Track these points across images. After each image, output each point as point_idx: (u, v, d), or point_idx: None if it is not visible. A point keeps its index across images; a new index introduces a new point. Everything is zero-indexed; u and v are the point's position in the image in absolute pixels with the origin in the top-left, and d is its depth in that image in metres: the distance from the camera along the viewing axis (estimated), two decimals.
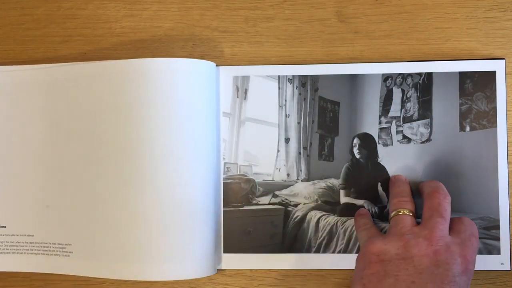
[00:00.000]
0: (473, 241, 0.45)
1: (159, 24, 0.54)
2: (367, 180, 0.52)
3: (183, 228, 0.49)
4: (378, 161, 0.51)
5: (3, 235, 0.52)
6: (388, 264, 0.43)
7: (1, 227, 0.52)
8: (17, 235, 0.52)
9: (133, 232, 0.49)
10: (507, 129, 0.51)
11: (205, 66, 0.51)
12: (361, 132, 0.52)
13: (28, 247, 0.52)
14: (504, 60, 0.51)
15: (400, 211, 0.47)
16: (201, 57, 0.53)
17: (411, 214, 0.47)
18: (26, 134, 0.52)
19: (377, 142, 0.52)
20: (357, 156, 0.52)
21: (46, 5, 0.55)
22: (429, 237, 0.44)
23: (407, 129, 0.52)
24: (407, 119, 0.52)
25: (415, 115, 0.52)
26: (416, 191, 0.50)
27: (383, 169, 0.51)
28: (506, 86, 0.51)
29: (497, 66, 0.51)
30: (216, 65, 0.52)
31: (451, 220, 0.46)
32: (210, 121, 0.51)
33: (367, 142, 0.52)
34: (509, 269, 0.50)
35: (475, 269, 0.50)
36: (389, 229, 0.47)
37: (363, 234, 0.49)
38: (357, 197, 0.52)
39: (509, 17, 0.52)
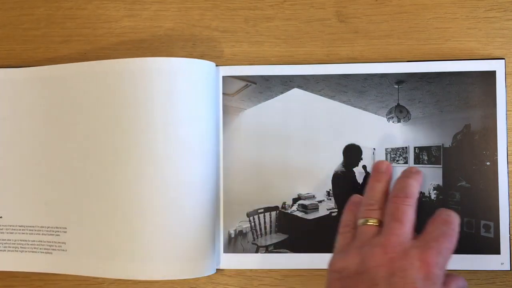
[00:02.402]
0: (441, 242, 0.41)
1: (159, 24, 0.54)
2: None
3: (182, 228, 0.49)
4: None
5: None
6: (348, 280, 0.41)
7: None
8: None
9: (132, 231, 0.49)
10: (507, 129, 0.51)
11: (205, 66, 0.51)
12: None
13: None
14: (504, 60, 0.51)
15: (365, 221, 0.45)
16: (201, 57, 0.53)
17: (376, 224, 0.44)
18: (26, 133, 0.52)
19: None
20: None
21: (46, 5, 0.55)
22: (384, 245, 0.42)
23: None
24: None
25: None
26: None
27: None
28: (506, 86, 0.51)
29: (497, 66, 0.51)
30: (216, 65, 0.52)
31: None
32: (210, 121, 0.51)
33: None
34: (509, 269, 0.50)
35: (476, 268, 0.50)
36: (353, 242, 0.44)
37: (337, 242, 0.46)
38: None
39: (509, 17, 0.52)
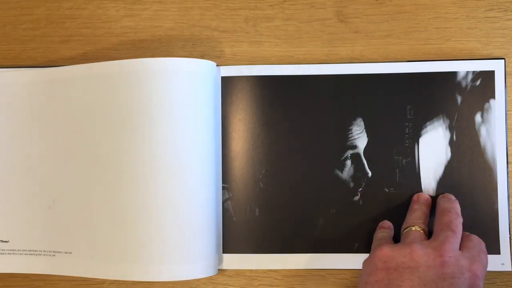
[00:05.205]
0: (483, 257, 0.45)
1: (159, 24, 0.54)
2: None
3: (184, 229, 0.49)
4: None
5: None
6: (393, 272, 0.43)
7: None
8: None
9: (134, 233, 0.49)
10: (506, 129, 0.51)
11: (206, 65, 0.51)
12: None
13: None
14: (504, 60, 0.51)
15: (411, 227, 0.47)
16: (201, 57, 0.53)
17: (422, 231, 0.46)
18: (26, 136, 0.52)
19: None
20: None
21: (46, 5, 0.55)
22: (438, 249, 0.43)
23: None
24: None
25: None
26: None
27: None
28: (505, 86, 0.51)
29: (497, 66, 0.51)
30: (217, 65, 0.52)
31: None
32: (211, 121, 0.51)
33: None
34: (509, 269, 0.50)
35: None
36: (400, 242, 0.47)
37: (375, 243, 0.48)
38: None
39: (509, 17, 0.52)
